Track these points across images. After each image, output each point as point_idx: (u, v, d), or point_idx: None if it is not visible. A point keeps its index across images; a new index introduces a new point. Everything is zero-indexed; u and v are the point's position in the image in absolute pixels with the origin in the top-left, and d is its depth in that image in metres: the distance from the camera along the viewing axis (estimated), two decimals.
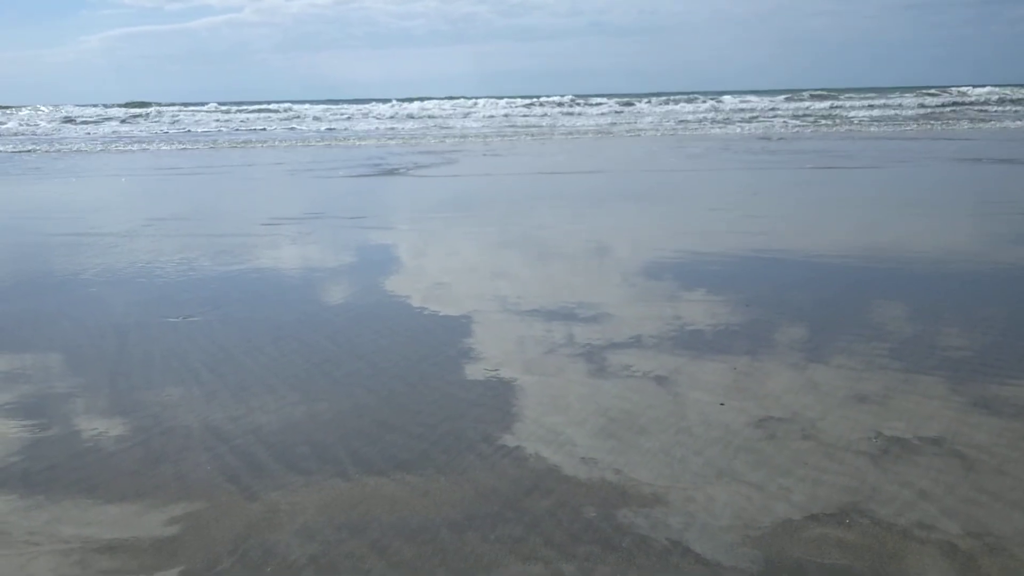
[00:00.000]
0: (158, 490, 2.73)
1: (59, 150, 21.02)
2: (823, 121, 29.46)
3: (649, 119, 31.96)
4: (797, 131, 25.04)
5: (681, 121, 30.56)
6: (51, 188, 12.70)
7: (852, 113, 33.01)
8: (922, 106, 35.64)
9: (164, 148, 21.51)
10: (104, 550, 2.38)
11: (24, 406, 3.48)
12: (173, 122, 32.53)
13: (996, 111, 33.13)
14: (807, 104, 37.02)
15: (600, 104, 37.81)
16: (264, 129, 29.84)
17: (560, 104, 37.68)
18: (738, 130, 26.00)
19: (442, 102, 40.78)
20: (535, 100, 38.52)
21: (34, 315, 4.96)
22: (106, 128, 30.15)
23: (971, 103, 36.66)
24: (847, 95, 42.14)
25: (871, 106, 35.61)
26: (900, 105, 35.81)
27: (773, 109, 35.07)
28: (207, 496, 2.68)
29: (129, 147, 21.78)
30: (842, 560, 2.26)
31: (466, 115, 35.08)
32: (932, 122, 27.79)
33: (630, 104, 38.01)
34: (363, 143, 22.78)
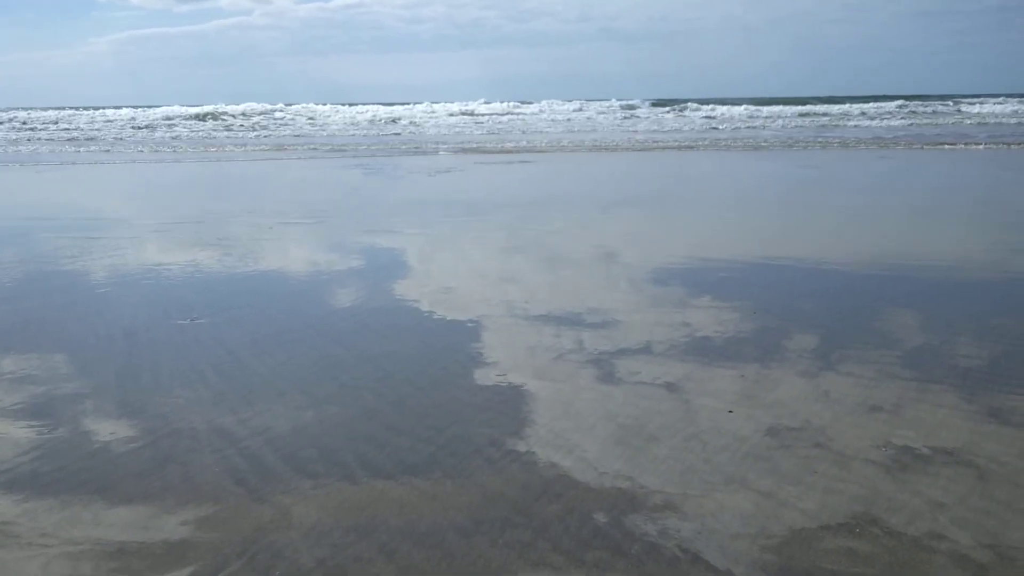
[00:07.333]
0: (167, 492, 2.73)
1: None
2: None
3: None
4: None
5: None
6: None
7: None
8: None
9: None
10: (114, 552, 2.38)
11: (32, 407, 3.49)
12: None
13: None
14: None
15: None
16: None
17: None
18: None
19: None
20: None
21: (42, 316, 4.97)
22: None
23: None
24: None
25: None
26: None
27: None
28: (216, 498, 2.68)
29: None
30: (853, 569, 2.25)
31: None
32: None
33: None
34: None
